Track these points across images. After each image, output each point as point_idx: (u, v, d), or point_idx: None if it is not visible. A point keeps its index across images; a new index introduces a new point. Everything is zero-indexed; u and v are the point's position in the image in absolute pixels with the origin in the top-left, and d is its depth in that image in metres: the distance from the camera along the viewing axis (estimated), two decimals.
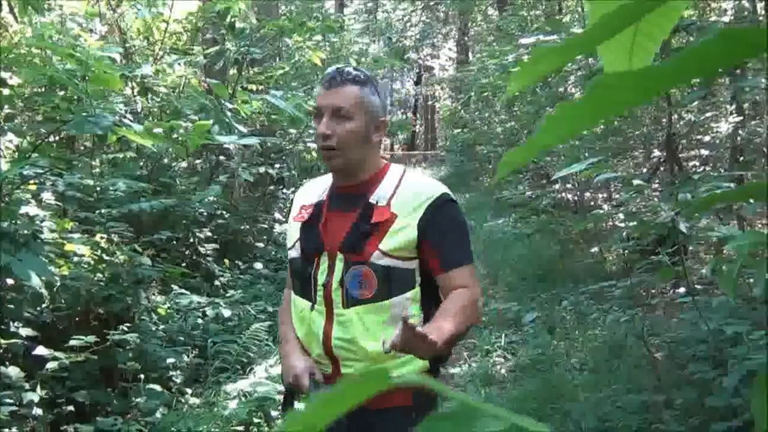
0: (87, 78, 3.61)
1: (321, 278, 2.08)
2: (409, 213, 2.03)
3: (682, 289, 5.90)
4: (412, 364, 2.00)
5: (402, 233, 2.01)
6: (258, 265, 7.41)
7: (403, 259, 2.02)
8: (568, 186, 10.08)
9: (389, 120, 2.20)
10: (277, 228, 8.54)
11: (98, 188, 5.16)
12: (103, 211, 5.08)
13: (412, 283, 2.05)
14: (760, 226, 8.12)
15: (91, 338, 4.10)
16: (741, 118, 7.26)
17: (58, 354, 3.93)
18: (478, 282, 2.14)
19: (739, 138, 7.22)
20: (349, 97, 2.03)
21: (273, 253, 8.06)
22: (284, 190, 9.12)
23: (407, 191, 2.07)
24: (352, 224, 2.05)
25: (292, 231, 2.22)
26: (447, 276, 2.05)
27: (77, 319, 4.60)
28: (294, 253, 2.18)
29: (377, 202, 2.05)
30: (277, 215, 8.74)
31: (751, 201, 3.49)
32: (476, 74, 13.95)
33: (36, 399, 3.77)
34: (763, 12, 6.22)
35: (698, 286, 5.70)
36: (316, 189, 2.24)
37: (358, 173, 2.11)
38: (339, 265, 2.05)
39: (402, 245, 2.01)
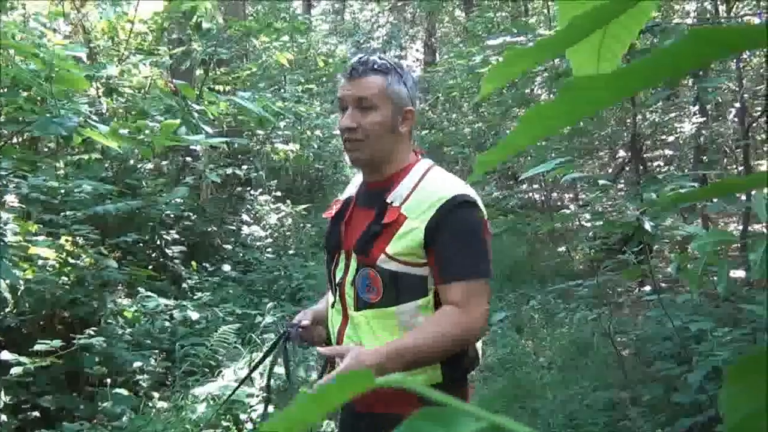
0: (51, 78, 3.56)
1: (337, 276, 2.03)
2: (420, 214, 1.88)
3: (647, 288, 6.00)
4: (426, 374, 1.88)
5: (409, 236, 1.87)
6: (226, 267, 7.37)
7: (411, 265, 1.88)
8: (536, 186, 10.19)
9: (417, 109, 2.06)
10: (245, 230, 8.50)
11: (63, 190, 5.10)
12: (67, 213, 5.02)
13: (423, 290, 1.89)
14: (722, 224, 8.25)
15: (57, 342, 4.05)
16: (704, 118, 7.39)
17: (22, 359, 3.87)
18: (482, 300, 1.89)
19: (702, 138, 7.35)
20: (372, 86, 1.94)
21: (241, 255, 8.02)
22: (252, 192, 9.08)
23: (423, 191, 1.93)
24: (368, 224, 1.95)
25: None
26: (442, 288, 1.88)
27: (42, 323, 4.54)
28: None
29: (392, 202, 1.93)
30: (245, 217, 8.69)
31: (714, 200, 3.55)
32: (443, 75, 13.99)
33: (0, 405, 3.72)
34: (724, 14, 6.32)
35: (663, 285, 5.79)
36: (354, 184, 2.16)
37: (384, 167, 2.00)
38: (353, 265, 1.97)
39: (408, 249, 1.87)
